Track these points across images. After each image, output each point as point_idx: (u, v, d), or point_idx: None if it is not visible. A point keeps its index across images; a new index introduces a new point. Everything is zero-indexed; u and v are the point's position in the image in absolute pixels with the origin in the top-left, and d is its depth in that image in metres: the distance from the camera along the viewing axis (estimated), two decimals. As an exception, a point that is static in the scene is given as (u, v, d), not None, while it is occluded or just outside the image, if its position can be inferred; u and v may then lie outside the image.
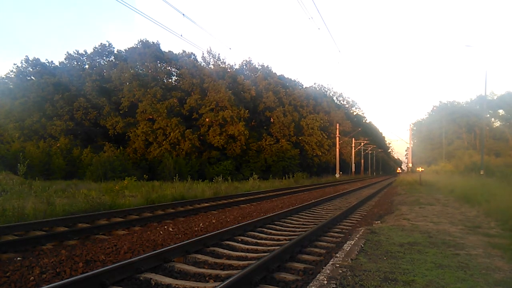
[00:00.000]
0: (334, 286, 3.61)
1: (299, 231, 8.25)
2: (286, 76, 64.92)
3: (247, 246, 6.66)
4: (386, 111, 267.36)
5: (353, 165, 64.89)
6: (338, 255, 4.91)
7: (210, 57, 52.98)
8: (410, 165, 56.20)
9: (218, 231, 7.04)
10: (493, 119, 69.52)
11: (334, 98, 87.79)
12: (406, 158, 76.99)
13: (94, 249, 6.09)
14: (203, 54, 52.82)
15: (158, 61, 46.88)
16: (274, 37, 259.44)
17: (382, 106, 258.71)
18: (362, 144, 72.41)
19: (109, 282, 4.27)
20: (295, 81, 68.19)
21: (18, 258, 5.54)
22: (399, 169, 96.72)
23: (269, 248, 6.53)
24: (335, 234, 7.99)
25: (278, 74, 60.72)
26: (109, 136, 40.49)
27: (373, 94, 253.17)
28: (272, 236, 7.69)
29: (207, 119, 42.10)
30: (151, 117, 40.29)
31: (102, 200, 11.30)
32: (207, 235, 6.65)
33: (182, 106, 43.17)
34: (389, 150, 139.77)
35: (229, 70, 50.95)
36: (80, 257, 5.50)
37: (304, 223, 9.68)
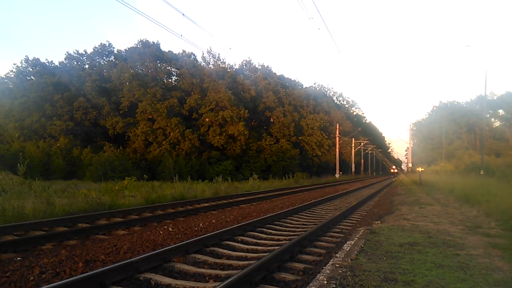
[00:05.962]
0: (334, 286, 3.61)
1: (299, 231, 8.25)
2: (286, 76, 65.04)
3: (247, 246, 6.65)
4: (386, 111, 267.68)
5: (353, 165, 64.88)
6: (338, 255, 4.91)
7: (210, 57, 53.11)
8: (410, 165, 56.23)
9: (218, 231, 7.03)
10: (493, 119, 69.55)
11: (334, 98, 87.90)
12: (406, 158, 76.94)
13: (94, 249, 6.08)
14: (203, 54, 53.00)
15: (158, 61, 46.92)
16: (274, 37, 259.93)
17: (382, 106, 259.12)
18: (362, 144, 72.42)
19: (109, 282, 4.27)
20: (295, 81, 68.28)
21: (18, 258, 5.54)
22: (394, 168, 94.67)
23: (269, 248, 6.53)
24: (335, 234, 7.98)
25: (278, 74, 60.77)
26: (109, 136, 40.52)
27: (373, 94, 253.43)
28: (272, 236, 7.68)
29: (207, 119, 42.09)
30: (151, 117, 40.31)
31: (102, 200, 11.29)
32: (207, 235, 6.65)
33: (182, 106, 43.18)
34: (389, 150, 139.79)
35: (229, 70, 50.93)
36: (80, 257, 5.50)
37: (304, 223, 9.68)
